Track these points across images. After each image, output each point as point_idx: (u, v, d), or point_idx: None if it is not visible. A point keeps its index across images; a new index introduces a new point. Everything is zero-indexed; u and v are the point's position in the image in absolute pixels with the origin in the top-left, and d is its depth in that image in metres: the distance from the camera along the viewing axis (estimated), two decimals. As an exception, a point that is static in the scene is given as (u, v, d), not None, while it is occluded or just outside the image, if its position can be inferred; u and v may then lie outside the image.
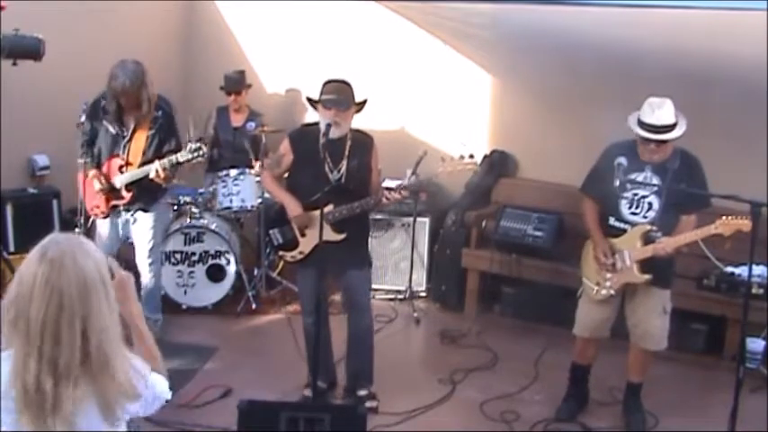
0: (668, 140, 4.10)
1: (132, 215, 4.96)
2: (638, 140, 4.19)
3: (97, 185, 4.89)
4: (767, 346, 5.13)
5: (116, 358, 2.06)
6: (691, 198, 4.15)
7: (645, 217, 4.22)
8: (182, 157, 4.72)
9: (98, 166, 4.92)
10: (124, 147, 4.84)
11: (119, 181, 4.84)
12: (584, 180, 4.49)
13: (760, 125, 5.39)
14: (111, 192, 4.86)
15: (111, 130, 4.82)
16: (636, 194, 4.24)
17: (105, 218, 4.94)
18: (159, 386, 2.27)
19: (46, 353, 1.97)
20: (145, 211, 4.97)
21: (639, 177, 4.21)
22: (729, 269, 5.22)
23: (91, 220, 5.03)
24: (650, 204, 4.22)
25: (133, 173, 4.82)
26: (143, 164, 4.81)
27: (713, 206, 4.25)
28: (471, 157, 4.23)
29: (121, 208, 4.94)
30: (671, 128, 4.09)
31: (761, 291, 5.02)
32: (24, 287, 1.99)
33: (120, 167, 4.84)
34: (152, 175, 4.75)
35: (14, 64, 4.47)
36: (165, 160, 4.73)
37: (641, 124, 4.12)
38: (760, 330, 5.11)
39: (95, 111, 4.87)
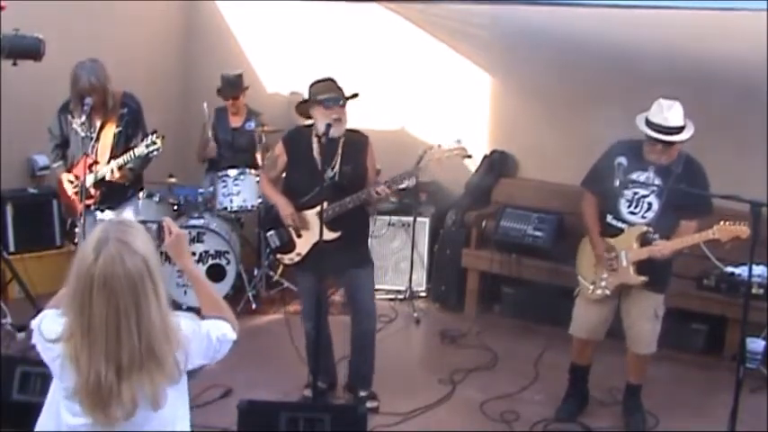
0: (676, 142, 4.07)
1: (101, 214, 4.98)
2: (645, 140, 4.16)
3: (70, 189, 4.96)
4: (767, 346, 5.13)
5: (163, 345, 2.21)
6: (692, 203, 4.12)
7: (643, 217, 4.20)
8: (137, 151, 4.72)
9: (70, 168, 4.98)
10: (92, 146, 4.87)
11: (88, 180, 4.86)
12: (586, 175, 4.47)
13: (760, 125, 5.39)
14: (84, 192, 4.86)
15: (79, 131, 4.84)
16: (636, 193, 4.22)
17: (82, 218, 4.93)
18: (217, 332, 2.43)
19: (110, 350, 2.16)
20: (112, 209, 4.98)
21: (642, 177, 4.19)
22: (729, 269, 5.22)
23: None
24: (650, 205, 4.20)
25: (100, 171, 4.86)
26: (111, 161, 4.86)
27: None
28: (458, 142, 4.21)
29: (92, 207, 4.95)
30: (679, 130, 4.06)
31: (761, 291, 5.02)
32: (81, 290, 2.17)
33: (90, 166, 4.86)
34: (108, 177, 4.79)
35: (14, 64, 4.48)
36: (121, 158, 4.76)
37: (649, 124, 4.08)
38: (760, 330, 5.11)
39: (65, 114, 4.91)
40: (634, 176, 4.20)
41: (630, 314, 4.34)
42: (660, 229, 4.16)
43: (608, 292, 4.30)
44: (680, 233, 4.13)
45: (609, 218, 4.30)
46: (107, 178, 4.81)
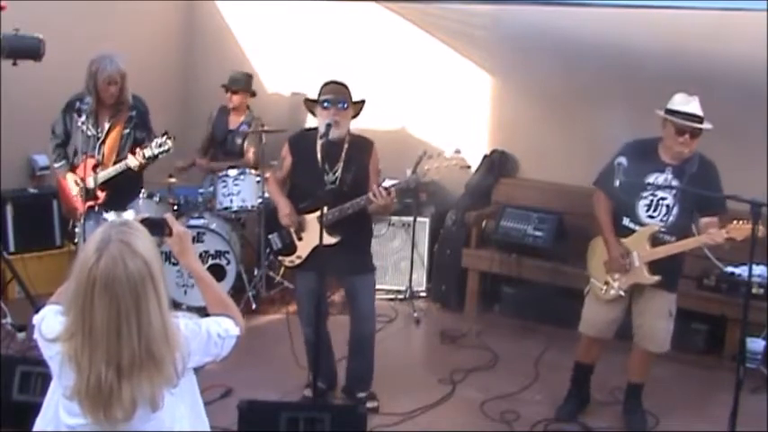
0: (704, 129, 4.03)
1: (105, 214, 4.96)
2: (667, 135, 4.10)
3: (74, 189, 4.95)
4: (767, 346, 5.13)
5: (162, 347, 2.21)
6: (707, 202, 4.10)
7: (662, 221, 4.16)
8: (147, 152, 4.75)
9: (73, 168, 4.96)
10: (99, 147, 4.88)
11: (92, 181, 4.86)
12: (600, 173, 4.40)
13: (760, 125, 5.39)
14: (86, 193, 4.86)
15: (87, 131, 4.84)
16: (655, 196, 4.17)
17: (83, 219, 4.92)
18: (218, 328, 2.44)
19: (111, 351, 2.16)
20: (116, 210, 4.98)
21: (660, 179, 4.15)
22: (729, 269, 5.22)
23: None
24: (668, 207, 4.16)
25: (107, 171, 4.86)
26: (117, 163, 4.87)
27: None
28: (458, 152, 4.22)
29: (96, 209, 4.94)
30: (702, 120, 4.06)
31: (761, 291, 5.02)
32: (83, 291, 2.16)
33: (94, 167, 4.86)
34: (132, 165, 4.79)
35: (14, 64, 4.48)
36: (130, 159, 4.79)
37: (676, 113, 4.05)
38: (760, 330, 5.11)
39: (70, 112, 4.90)
40: (651, 178, 4.15)
41: (644, 313, 4.32)
42: (677, 232, 4.14)
43: (622, 292, 4.27)
44: (703, 228, 4.09)
45: (626, 220, 4.25)
46: (131, 165, 4.81)
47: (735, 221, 3.91)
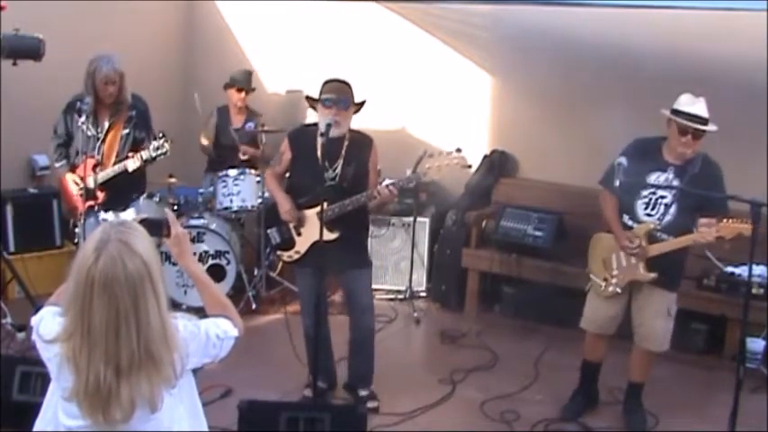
0: (707, 131, 4.06)
1: (104, 214, 4.97)
2: (671, 135, 4.13)
3: (75, 189, 4.95)
4: (767, 346, 5.13)
5: (161, 347, 2.20)
6: (707, 202, 4.10)
7: (659, 219, 4.19)
8: (145, 155, 4.78)
9: (74, 168, 4.97)
10: (98, 147, 4.89)
11: (92, 181, 4.86)
12: (605, 172, 4.42)
13: (760, 125, 5.39)
14: (86, 193, 4.87)
15: (87, 131, 4.85)
16: (654, 194, 4.20)
17: (83, 219, 4.93)
18: (216, 329, 2.44)
19: (110, 351, 2.16)
20: (116, 210, 4.98)
21: (661, 178, 4.17)
22: (729, 269, 5.22)
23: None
24: (667, 207, 4.18)
25: (106, 172, 4.88)
26: (117, 163, 4.88)
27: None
28: (459, 151, 4.22)
29: (96, 208, 4.95)
30: (706, 121, 4.08)
31: (761, 291, 5.02)
32: (82, 291, 2.16)
33: (94, 167, 4.87)
34: (130, 168, 4.83)
35: (14, 64, 4.48)
36: (130, 161, 4.82)
37: (680, 114, 4.08)
38: (760, 330, 5.11)
39: (71, 113, 4.91)
40: (653, 177, 4.17)
41: (643, 312, 4.33)
42: (674, 231, 4.14)
43: (618, 289, 4.30)
44: (699, 228, 4.08)
45: (625, 218, 4.29)
46: (130, 169, 4.82)
47: (725, 220, 3.93)
